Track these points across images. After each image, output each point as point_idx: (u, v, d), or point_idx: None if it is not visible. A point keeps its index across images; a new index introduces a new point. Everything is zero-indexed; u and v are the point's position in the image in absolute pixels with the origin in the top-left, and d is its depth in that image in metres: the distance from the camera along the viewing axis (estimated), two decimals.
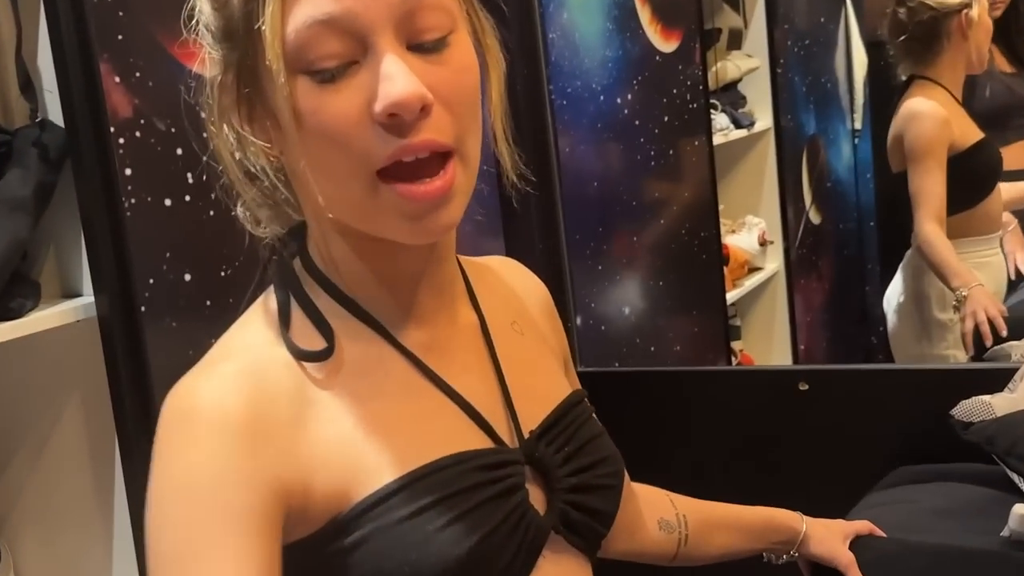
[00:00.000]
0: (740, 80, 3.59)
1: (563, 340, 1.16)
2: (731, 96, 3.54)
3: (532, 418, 0.97)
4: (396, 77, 0.79)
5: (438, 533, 0.84)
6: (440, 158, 0.83)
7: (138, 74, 1.43)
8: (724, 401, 2.19)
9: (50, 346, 1.42)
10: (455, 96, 0.83)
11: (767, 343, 3.70)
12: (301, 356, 0.87)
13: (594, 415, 1.06)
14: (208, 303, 1.51)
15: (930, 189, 2.81)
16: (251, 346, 0.89)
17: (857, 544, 1.51)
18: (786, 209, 3.69)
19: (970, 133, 2.90)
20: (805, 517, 1.37)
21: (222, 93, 0.87)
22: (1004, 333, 2.57)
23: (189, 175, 1.48)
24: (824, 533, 1.38)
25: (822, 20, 4.11)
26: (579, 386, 1.12)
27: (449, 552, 0.84)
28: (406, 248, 0.89)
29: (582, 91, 2.46)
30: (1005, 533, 1.51)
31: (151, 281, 1.44)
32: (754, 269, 3.58)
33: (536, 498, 0.93)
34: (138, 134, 1.43)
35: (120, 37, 1.40)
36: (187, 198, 1.48)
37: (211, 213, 1.51)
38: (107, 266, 1.41)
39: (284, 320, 0.90)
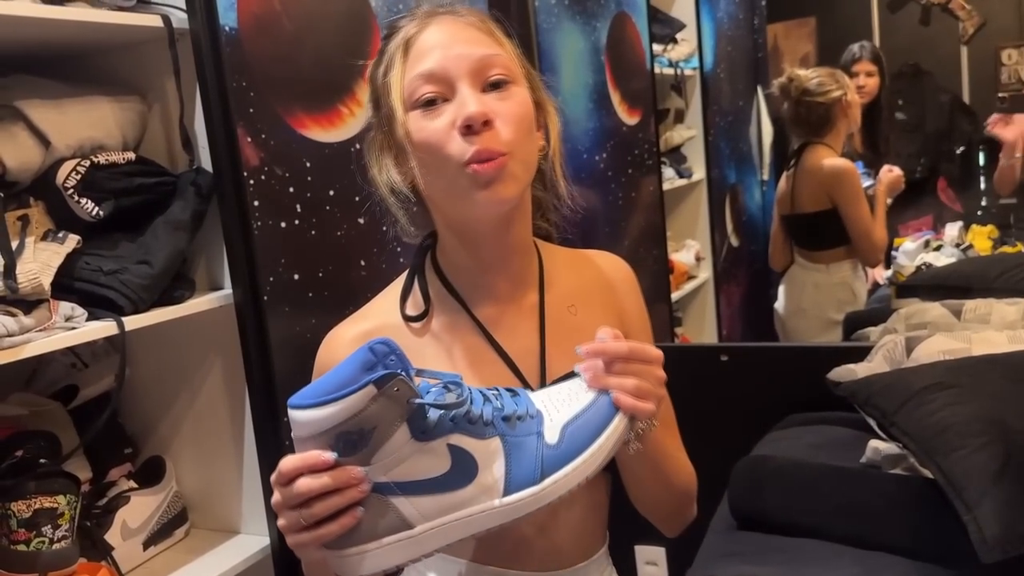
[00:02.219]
0: (683, 144, 3.50)
1: (640, 312, 1.12)
2: (676, 156, 3.47)
3: (559, 373, 0.95)
4: (469, 102, 0.85)
5: None
6: (500, 158, 0.86)
7: (263, 135, 1.41)
8: (668, 368, 2.17)
9: (202, 323, 1.39)
10: (511, 119, 0.87)
11: (699, 329, 3.65)
12: (405, 318, 0.96)
13: None
14: (310, 295, 1.49)
15: (869, 215, 2.78)
16: (381, 311, 0.98)
17: (757, 462, 1.49)
18: (714, 235, 3.61)
19: None
20: None
21: (376, 143, 0.94)
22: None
23: (298, 206, 1.46)
24: None
25: (740, 103, 4.05)
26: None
27: None
28: (488, 241, 0.95)
29: (571, 151, 2.40)
30: (863, 460, 1.49)
31: (271, 279, 1.42)
32: (691, 277, 3.48)
33: None
34: (263, 177, 1.40)
35: (251, 110, 1.38)
36: (296, 222, 1.46)
37: (312, 232, 1.49)
38: (240, 268, 1.39)
39: (404, 296, 0.98)
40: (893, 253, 3.18)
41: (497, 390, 0.80)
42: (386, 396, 0.71)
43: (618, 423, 0.80)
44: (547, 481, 0.75)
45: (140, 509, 1.42)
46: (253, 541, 1.45)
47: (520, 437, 0.76)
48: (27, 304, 1.13)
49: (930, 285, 2.14)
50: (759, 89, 4.29)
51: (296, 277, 1.46)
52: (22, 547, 1.17)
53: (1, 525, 1.19)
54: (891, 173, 3.01)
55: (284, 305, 1.44)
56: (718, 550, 1.35)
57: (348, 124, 1.54)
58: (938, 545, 1.17)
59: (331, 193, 1.51)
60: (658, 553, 2.09)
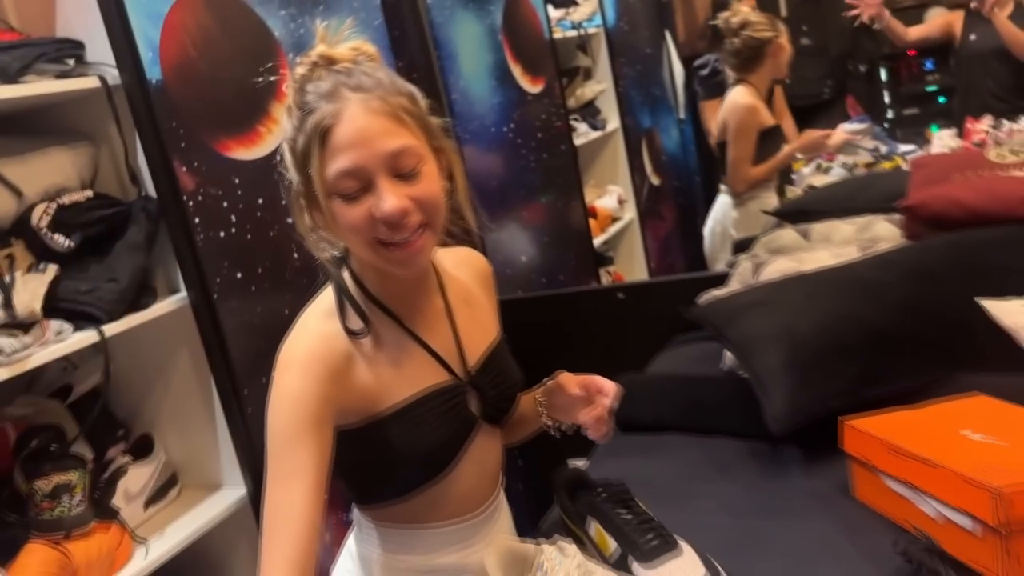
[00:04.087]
0: (595, 99, 3.77)
1: (495, 299, 1.30)
2: (590, 110, 3.74)
3: (474, 358, 1.18)
4: (387, 199, 0.99)
5: (421, 428, 1.11)
6: (419, 228, 1.03)
7: (195, 163, 1.68)
8: (580, 307, 2.47)
9: (166, 322, 1.67)
10: (426, 201, 1.03)
11: (630, 265, 3.94)
12: (351, 334, 1.08)
13: (507, 347, 1.26)
14: (252, 289, 1.77)
15: (744, 153, 3.09)
16: (324, 325, 1.08)
17: (628, 378, 1.80)
18: (634, 178, 3.89)
19: (768, 118, 3.13)
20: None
21: (299, 200, 1.07)
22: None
23: (232, 216, 1.74)
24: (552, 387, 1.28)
25: (648, 51, 4.33)
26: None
27: (425, 435, 1.11)
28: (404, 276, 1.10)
29: (478, 127, 2.68)
30: (723, 367, 1.82)
31: (218, 280, 1.69)
32: (616, 219, 3.76)
33: (474, 404, 1.17)
34: (199, 198, 1.67)
35: (183, 144, 1.65)
36: (233, 230, 1.74)
37: (248, 237, 1.78)
38: (191, 274, 1.67)
39: (341, 312, 1.09)
40: (793, 176, 3.50)
41: None
42: None
43: None
44: None
45: (137, 477, 1.74)
46: (233, 492, 1.78)
47: None
48: (25, 326, 1.43)
49: (795, 211, 2.45)
50: (667, 33, 4.57)
51: (239, 275, 1.76)
52: (48, 515, 1.49)
53: (30, 500, 1.50)
54: (812, 133, 3.24)
55: (232, 300, 1.74)
56: (603, 451, 1.70)
57: (266, 141, 1.84)
58: (757, 426, 1.51)
59: (260, 201, 1.81)
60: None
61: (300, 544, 0.96)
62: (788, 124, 3.58)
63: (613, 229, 3.73)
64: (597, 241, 3.47)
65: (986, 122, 3.27)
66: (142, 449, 1.80)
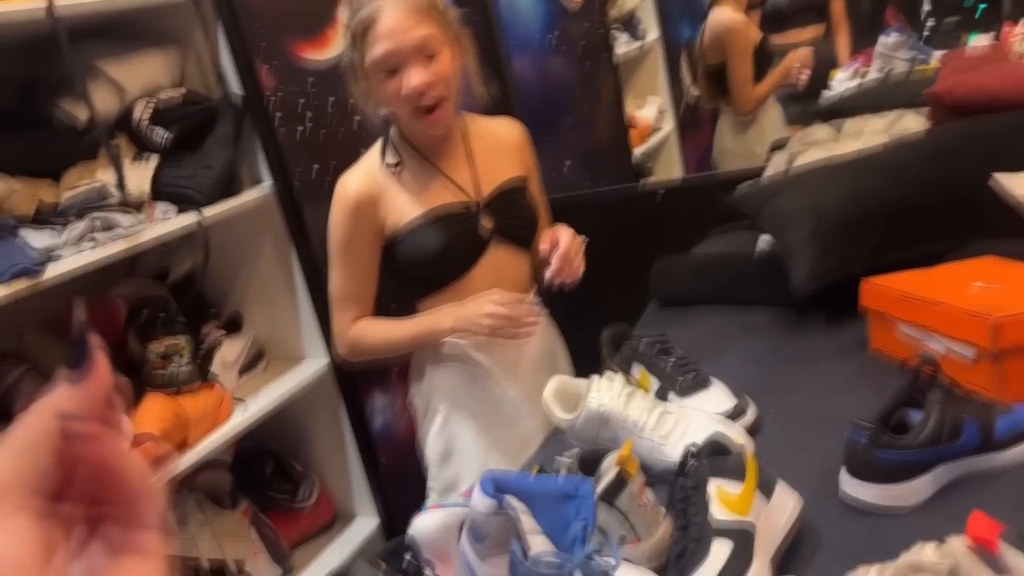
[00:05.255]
0: (635, 9, 3.84)
1: (529, 160, 1.60)
2: (631, 20, 3.83)
3: (489, 189, 1.49)
4: (412, 77, 1.35)
5: (433, 235, 1.41)
6: (442, 101, 1.37)
7: (275, 62, 1.83)
8: (623, 204, 2.63)
9: (253, 210, 1.85)
10: (442, 76, 1.37)
11: (668, 173, 4.05)
12: (389, 167, 1.46)
13: (526, 188, 1.54)
14: (327, 179, 1.91)
15: (747, 72, 3.12)
16: (371, 161, 1.47)
17: (666, 259, 1.95)
18: (674, 89, 3.97)
19: (757, 33, 3.12)
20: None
21: (353, 72, 1.41)
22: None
23: (308, 114, 1.91)
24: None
25: None
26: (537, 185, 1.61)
27: (436, 241, 1.41)
28: None
29: (525, 38, 2.79)
30: (759, 249, 1.96)
31: (298, 171, 1.87)
32: (656, 130, 3.80)
33: (487, 222, 1.47)
34: (280, 95, 1.84)
35: (264, 44, 1.81)
36: (310, 126, 1.91)
37: (322, 132, 1.95)
38: (275, 166, 1.84)
39: (383, 154, 1.47)
40: (831, 83, 3.54)
41: None
42: None
43: None
44: None
45: (231, 349, 1.94)
46: (315, 363, 1.98)
47: None
48: (136, 207, 1.62)
49: (830, 110, 2.54)
50: None
51: (315, 168, 1.93)
52: (161, 373, 1.70)
53: (144, 362, 1.71)
54: (800, 51, 3.20)
55: (309, 190, 1.91)
56: (645, 322, 1.86)
57: (335, 45, 1.98)
58: (786, 295, 1.66)
59: (331, 99, 1.97)
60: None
61: (360, 311, 1.48)
62: (843, 39, 3.59)
63: (653, 140, 3.79)
64: (637, 151, 3.56)
65: (1023, 26, 3.29)
66: (233, 326, 2.01)
